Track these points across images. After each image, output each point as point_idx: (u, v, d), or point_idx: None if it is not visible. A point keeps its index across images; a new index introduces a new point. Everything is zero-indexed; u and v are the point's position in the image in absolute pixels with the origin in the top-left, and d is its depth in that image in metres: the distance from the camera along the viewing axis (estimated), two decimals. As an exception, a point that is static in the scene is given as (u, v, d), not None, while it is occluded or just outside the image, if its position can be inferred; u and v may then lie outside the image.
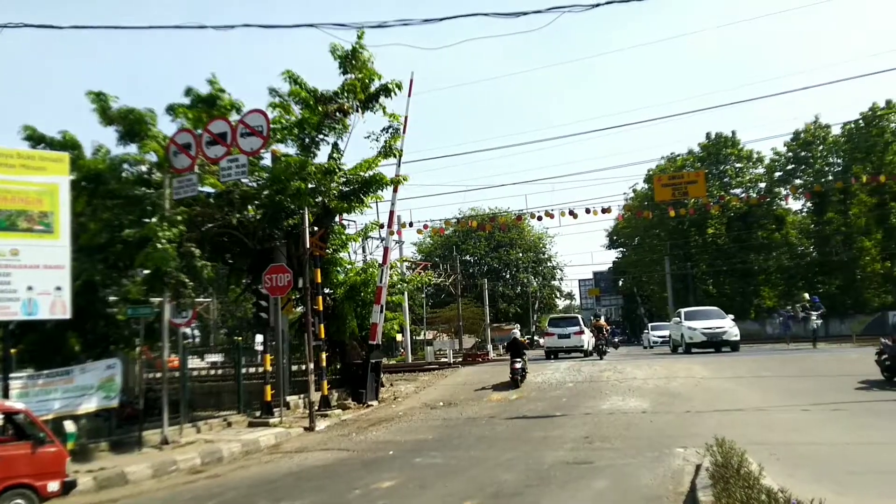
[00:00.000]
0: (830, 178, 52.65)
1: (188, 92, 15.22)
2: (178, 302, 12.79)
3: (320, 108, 15.60)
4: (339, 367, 18.17)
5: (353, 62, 15.87)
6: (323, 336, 15.42)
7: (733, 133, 57.89)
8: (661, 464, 8.20)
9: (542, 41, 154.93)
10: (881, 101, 52.87)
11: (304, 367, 15.42)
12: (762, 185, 57.64)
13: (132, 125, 13.84)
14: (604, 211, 32.50)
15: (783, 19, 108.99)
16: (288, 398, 15.72)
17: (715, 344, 24.18)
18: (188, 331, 22.38)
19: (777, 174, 57.10)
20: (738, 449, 6.88)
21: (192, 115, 14.60)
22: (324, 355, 15.42)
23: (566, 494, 7.08)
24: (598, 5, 9.29)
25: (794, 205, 56.92)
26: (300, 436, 12.97)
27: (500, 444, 10.39)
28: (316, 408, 14.31)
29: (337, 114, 15.54)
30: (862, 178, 41.78)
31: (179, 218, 12.44)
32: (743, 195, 54.86)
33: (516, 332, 21.49)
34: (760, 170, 58.48)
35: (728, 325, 24.22)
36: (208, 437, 12.71)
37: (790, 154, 56.46)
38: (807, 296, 30.98)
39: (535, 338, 63.47)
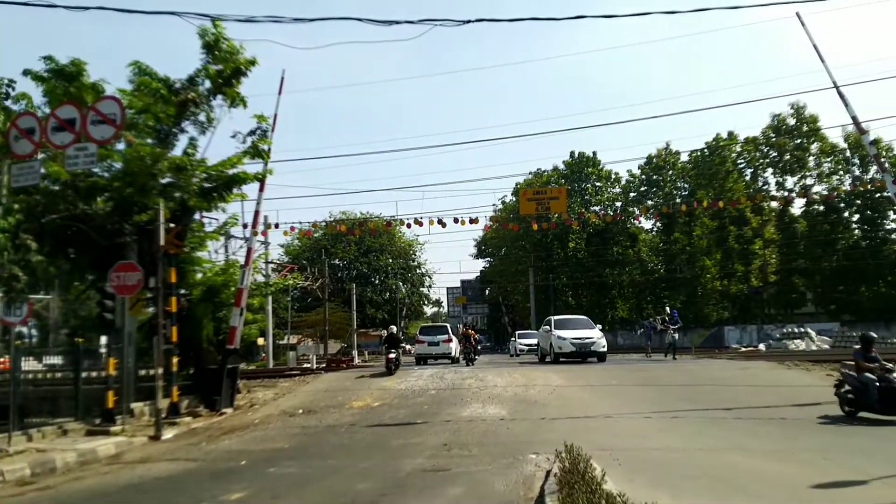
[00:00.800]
0: (678, 200, 56.71)
1: (48, 59, 13.98)
2: (10, 298, 11.64)
3: (174, 98, 14.81)
4: (192, 372, 17.26)
5: (217, 51, 15.22)
6: (175, 339, 14.54)
7: (594, 153, 61.36)
8: (515, 470, 8.34)
9: (427, 53, 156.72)
10: (724, 132, 57.89)
11: (153, 372, 14.49)
12: (618, 203, 61.26)
13: None
14: (471, 221, 33.21)
15: (654, 49, 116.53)
16: (133, 405, 14.73)
17: (583, 354, 24.14)
18: (24, 330, 20.49)
19: (632, 194, 60.95)
20: (585, 455, 7.14)
21: (49, 87, 13.40)
22: (175, 359, 14.55)
23: (421, 502, 7.05)
24: (468, 21, 9.45)
25: (647, 224, 61.03)
26: (144, 445, 12.15)
27: (359, 453, 10.22)
28: (164, 415, 13.48)
29: (190, 104, 14.79)
30: (704, 202, 45.37)
31: (17, 206, 11.37)
32: (602, 212, 57.92)
33: (394, 328, 25.46)
34: (617, 189, 62.18)
35: (597, 336, 24.36)
36: (41, 445, 11.62)
37: (643, 176, 60.49)
38: (668, 309, 32.08)
39: (403, 344, 63.70)
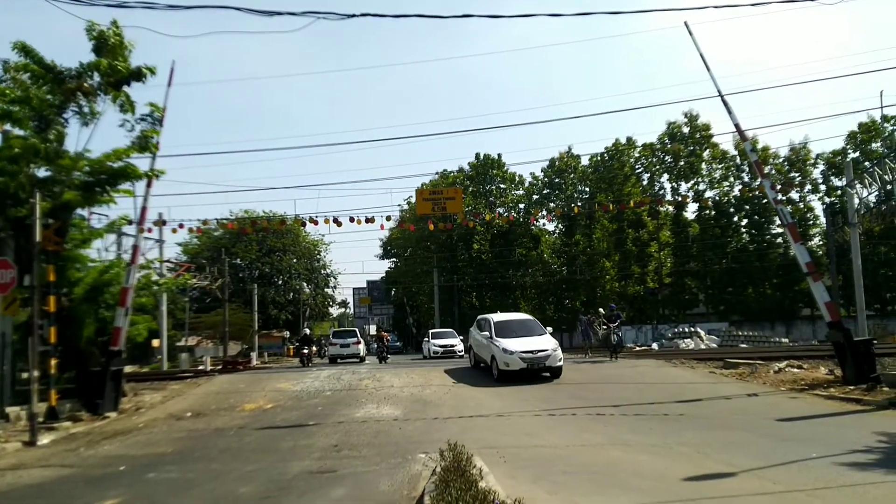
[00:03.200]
0: (579, 203, 58.44)
1: None
2: None
3: (59, 87, 14.05)
4: (74, 374, 16.40)
5: (105, 46, 14.55)
6: (54, 340, 13.78)
7: (499, 156, 62.20)
8: (402, 470, 8.40)
9: (327, 50, 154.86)
10: (623, 137, 60.16)
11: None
12: (522, 205, 62.42)
13: None
14: (367, 220, 33.00)
15: (562, 52, 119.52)
16: (9, 409, 13.95)
17: (535, 372, 17.88)
18: None
19: (535, 197, 62.28)
20: (467, 453, 7.28)
21: None
22: (53, 362, 13.80)
23: (301, 505, 7.00)
24: (353, 16, 9.46)
25: (549, 226, 62.52)
26: (17, 451, 11.50)
27: (245, 456, 10.01)
28: (41, 420, 12.81)
29: (78, 93, 14.08)
30: (605, 204, 46.91)
31: None
32: (506, 214, 58.89)
33: (308, 331, 32.37)
34: (521, 191, 63.38)
35: (551, 347, 18.07)
36: None
37: (546, 179, 61.96)
38: (612, 307, 28.50)
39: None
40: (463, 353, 34.46)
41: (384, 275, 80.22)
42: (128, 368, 20.69)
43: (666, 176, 60.22)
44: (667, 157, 59.25)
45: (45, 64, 14.49)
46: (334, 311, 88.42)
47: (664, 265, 58.23)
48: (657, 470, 8.12)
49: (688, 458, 8.77)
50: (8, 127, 14.11)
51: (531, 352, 17.73)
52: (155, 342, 36.81)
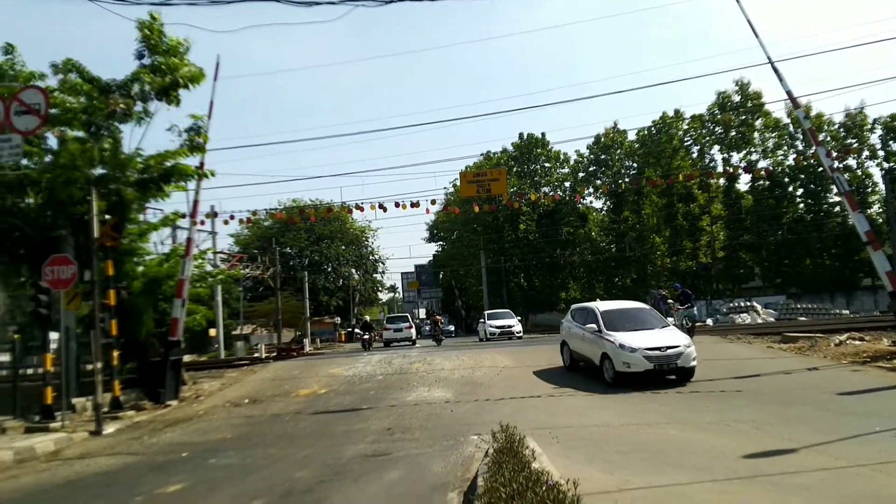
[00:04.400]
0: (627, 179, 57.38)
1: None
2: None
3: (104, 101, 14.47)
4: (136, 365, 16.98)
5: (158, 46, 14.89)
6: (115, 333, 14.28)
7: (543, 135, 61.42)
8: (455, 452, 8.46)
9: (369, 36, 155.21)
10: (670, 110, 58.68)
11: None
12: (568, 184, 61.65)
13: None
14: (413, 205, 33.06)
15: (597, 27, 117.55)
16: (75, 400, 14.44)
17: (663, 374, 14.05)
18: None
19: (581, 174, 61.42)
20: (519, 434, 7.27)
21: None
22: (116, 353, 14.31)
23: (357, 488, 7.10)
24: (391, 1, 9.39)
25: (597, 203, 61.65)
26: (84, 441, 11.95)
27: (301, 441, 10.22)
28: (106, 410, 13.29)
29: (119, 108, 14.49)
30: (656, 180, 45.93)
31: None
32: (552, 193, 58.27)
33: (368, 318, 35.75)
34: (566, 170, 62.58)
35: (683, 342, 14.24)
36: (-25, 445, 11.34)
37: (592, 156, 61.00)
38: (677, 286, 24.56)
39: (356, 331, 63.74)
40: (521, 333, 34.52)
41: (431, 259, 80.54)
42: (186, 358, 21.27)
43: (717, 147, 58.51)
44: (717, 128, 57.63)
45: (90, 78, 14.93)
46: (383, 296, 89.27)
47: (717, 239, 56.77)
48: (714, 447, 7.99)
49: (746, 434, 8.62)
50: (65, 128, 14.57)
51: (658, 349, 13.88)
52: (212, 331, 37.76)
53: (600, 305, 16.63)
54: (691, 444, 8.33)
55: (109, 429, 12.75)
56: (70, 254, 13.94)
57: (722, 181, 56.24)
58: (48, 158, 14.48)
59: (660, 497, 5.83)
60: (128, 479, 8.58)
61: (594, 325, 15.13)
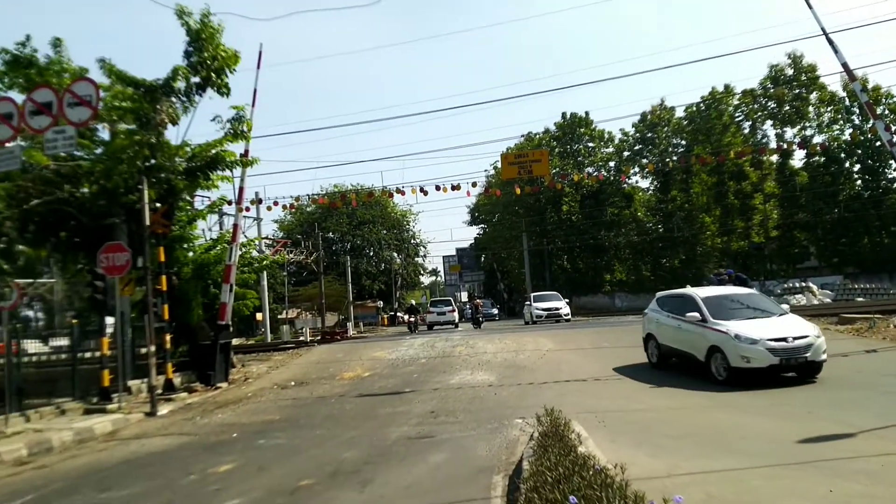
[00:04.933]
0: (675, 158, 56.11)
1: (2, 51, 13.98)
2: (-1, 285, 11.76)
3: (152, 108, 14.81)
4: (187, 348, 17.44)
5: (202, 37, 15.15)
6: (167, 317, 14.69)
7: (587, 113, 60.35)
8: (499, 435, 8.47)
9: (407, 19, 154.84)
10: (720, 85, 56.84)
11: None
12: (612, 163, 60.56)
13: None
14: (454, 188, 33.07)
15: (643, 3, 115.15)
16: (130, 383, 14.91)
17: (787, 369, 11.79)
18: (30, 314, 20.67)
19: (626, 153, 60.26)
20: (564, 418, 7.24)
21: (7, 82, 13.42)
22: (168, 337, 14.73)
23: (403, 469, 7.19)
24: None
25: (643, 183, 60.47)
26: (140, 422, 12.35)
27: (347, 423, 10.37)
28: (159, 392, 13.68)
29: (166, 118, 14.85)
30: (704, 156, 44.75)
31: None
32: (595, 173, 57.39)
33: (413, 302, 38.94)
34: (611, 149, 61.45)
35: (813, 332, 11.96)
36: (38, 426, 11.78)
37: (638, 135, 59.73)
38: (730, 272, 23.96)
39: (399, 314, 64.36)
40: (569, 316, 34.00)
41: (473, 241, 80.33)
42: (234, 341, 21.74)
43: (769, 123, 56.54)
44: (769, 103, 55.74)
45: (130, 80, 15.29)
46: (425, 279, 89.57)
47: (770, 218, 55.07)
48: (767, 432, 7.83)
49: (801, 418, 8.44)
50: (110, 125, 14.95)
51: (784, 339, 11.60)
52: (258, 315, 38.54)
53: (699, 291, 14.32)
54: (743, 428, 8.16)
55: (163, 410, 13.13)
56: (123, 241, 14.33)
57: (775, 158, 54.55)
58: (99, 150, 14.85)
59: (710, 482, 5.70)
60: (182, 459, 8.83)
61: (696, 314, 12.90)
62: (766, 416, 8.79)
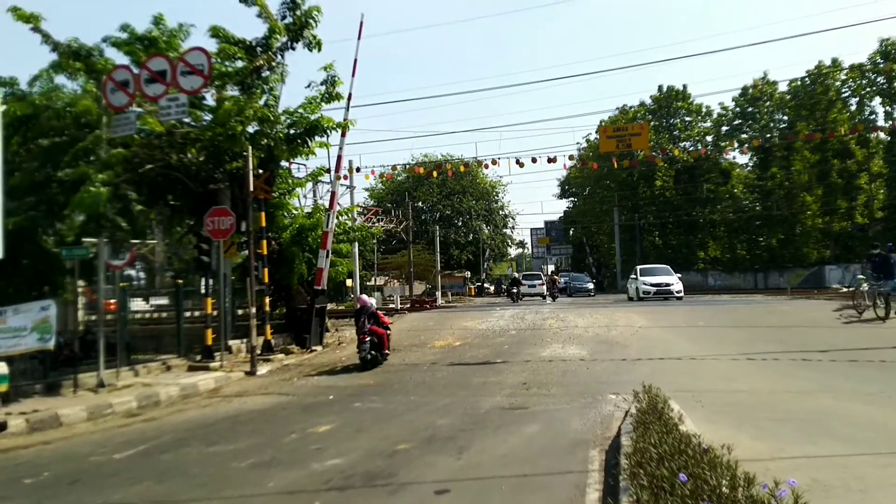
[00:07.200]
0: (776, 134, 53.56)
1: (125, 28, 14.63)
2: (114, 244, 12.47)
3: (248, 63, 15.27)
4: (284, 311, 18.08)
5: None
6: (267, 280, 15.24)
7: (684, 87, 58.43)
8: (593, 409, 8.38)
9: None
10: (827, 59, 53.78)
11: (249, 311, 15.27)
12: (709, 138, 58.42)
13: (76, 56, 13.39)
14: (549, 161, 32.63)
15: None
16: (230, 342, 15.60)
17: None
18: (132, 273, 21.91)
19: (724, 129, 57.98)
20: (663, 396, 7.09)
21: (126, 51, 14.12)
22: (267, 300, 15.29)
23: (498, 439, 7.22)
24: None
25: (741, 159, 58.09)
26: (241, 380, 12.92)
27: (440, 390, 10.50)
28: (258, 352, 14.24)
29: (264, 68, 15.23)
30: (805, 133, 42.49)
31: (115, 160, 12.04)
32: (692, 148, 55.52)
33: (517, 275, 44.32)
34: (708, 123, 59.23)
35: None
36: (146, 380, 12.53)
37: (738, 109, 57.27)
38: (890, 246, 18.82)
39: (486, 285, 64.43)
40: (681, 293, 29.67)
41: (562, 214, 79.33)
42: (329, 306, 22.39)
43: (878, 99, 53.32)
44: (879, 78, 52.41)
45: (236, 41, 15.77)
46: (512, 251, 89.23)
47: (876, 198, 52.05)
48: (875, 419, 7.45)
49: (914, 407, 7.92)
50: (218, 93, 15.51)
51: None
52: (349, 282, 39.45)
53: None
54: (849, 414, 7.77)
55: (262, 370, 13.68)
56: (227, 206, 14.92)
57: (883, 136, 51.35)
58: (207, 117, 15.43)
59: (816, 467, 5.48)
60: (282, 418, 9.18)
61: None
62: (873, 403, 8.34)
